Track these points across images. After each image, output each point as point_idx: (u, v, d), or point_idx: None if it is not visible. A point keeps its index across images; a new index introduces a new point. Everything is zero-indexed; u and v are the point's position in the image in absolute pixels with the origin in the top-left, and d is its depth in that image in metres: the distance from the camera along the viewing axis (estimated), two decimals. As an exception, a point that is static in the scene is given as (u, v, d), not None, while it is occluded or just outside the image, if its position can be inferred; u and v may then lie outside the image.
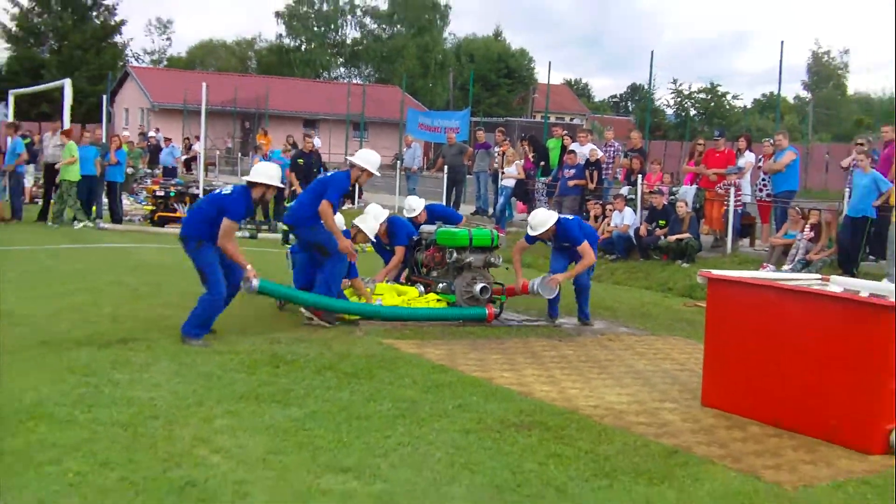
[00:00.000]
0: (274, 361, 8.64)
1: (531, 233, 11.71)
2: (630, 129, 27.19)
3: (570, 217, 12.59)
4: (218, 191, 10.19)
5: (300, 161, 22.48)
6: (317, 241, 10.80)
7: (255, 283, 9.91)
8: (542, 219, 11.75)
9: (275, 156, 24.55)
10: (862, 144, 16.32)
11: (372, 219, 12.17)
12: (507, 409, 7.51)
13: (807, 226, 16.27)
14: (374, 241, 12.49)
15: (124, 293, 12.09)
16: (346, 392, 7.70)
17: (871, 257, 16.20)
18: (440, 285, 11.77)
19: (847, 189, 16.55)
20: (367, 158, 11.20)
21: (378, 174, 11.43)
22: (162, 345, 9.07)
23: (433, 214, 13.27)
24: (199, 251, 9.66)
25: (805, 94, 70.94)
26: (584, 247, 11.62)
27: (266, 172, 10.09)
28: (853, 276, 13.72)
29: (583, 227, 12.24)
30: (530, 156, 23.53)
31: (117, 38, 60.72)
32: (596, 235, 13.13)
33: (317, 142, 33.86)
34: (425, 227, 12.63)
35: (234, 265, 10.03)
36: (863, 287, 8.14)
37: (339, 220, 11.82)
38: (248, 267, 9.85)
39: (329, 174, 11.30)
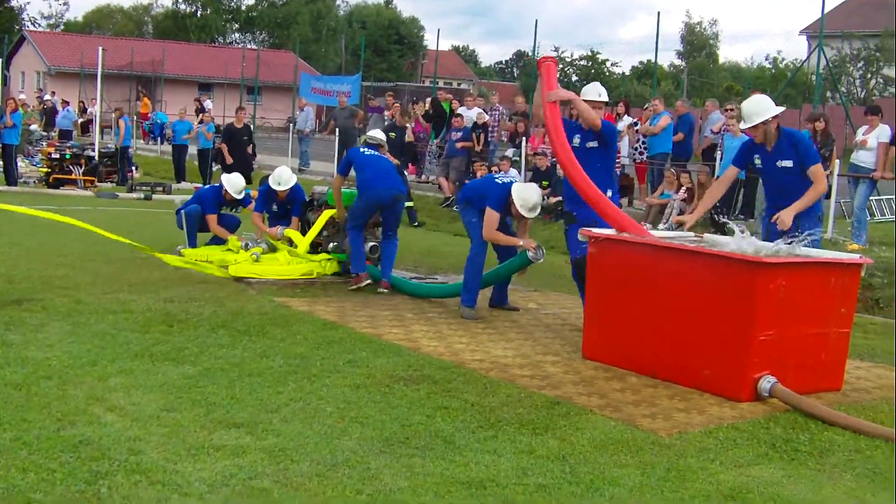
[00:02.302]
0: (167, 320, 8.62)
1: (743, 125, 8.73)
2: (515, 94, 27.58)
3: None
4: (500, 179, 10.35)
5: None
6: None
7: (541, 253, 9.72)
8: (766, 106, 8.35)
9: (160, 118, 24.36)
10: (732, 110, 16.85)
11: (275, 182, 12.11)
12: (396, 363, 7.62)
13: (682, 187, 16.83)
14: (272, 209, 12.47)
15: (18, 254, 11.96)
16: (238, 349, 7.74)
17: (741, 216, 16.79)
18: (331, 245, 11.77)
19: (719, 152, 17.10)
20: (525, 198, 9.79)
21: (530, 217, 10.03)
22: (56, 305, 8.97)
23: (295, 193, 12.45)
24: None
25: (679, 63, 72.43)
26: (818, 169, 8.29)
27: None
28: (724, 234, 14.18)
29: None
30: (421, 119, 23.79)
31: (13, 3, 58.99)
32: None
33: (208, 104, 33.56)
34: (317, 188, 12.68)
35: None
36: (731, 244, 8.43)
37: (238, 179, 12.11)
38: (521, 242, 9.83)
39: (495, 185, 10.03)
